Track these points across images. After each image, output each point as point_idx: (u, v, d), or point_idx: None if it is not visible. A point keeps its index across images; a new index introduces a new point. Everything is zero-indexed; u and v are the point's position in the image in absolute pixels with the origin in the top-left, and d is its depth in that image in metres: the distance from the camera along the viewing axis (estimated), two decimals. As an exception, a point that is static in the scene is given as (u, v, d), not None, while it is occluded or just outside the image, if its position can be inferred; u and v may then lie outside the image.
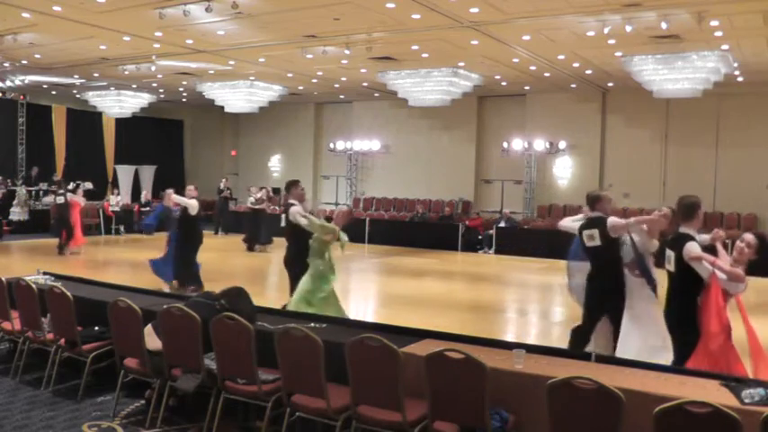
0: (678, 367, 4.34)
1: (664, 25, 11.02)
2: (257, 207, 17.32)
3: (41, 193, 20.48)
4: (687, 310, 4.91)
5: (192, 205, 9.93)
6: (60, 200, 14.92)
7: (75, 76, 18.83)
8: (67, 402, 5.31)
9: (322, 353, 4.12)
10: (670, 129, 18.17)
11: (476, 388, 3.73)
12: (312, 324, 5.26)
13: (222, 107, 20.56)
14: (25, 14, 11.98)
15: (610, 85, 17.83)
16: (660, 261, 5.52)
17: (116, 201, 20.44)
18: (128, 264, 13.95)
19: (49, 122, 22.42)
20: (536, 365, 4.17)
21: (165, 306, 5.02)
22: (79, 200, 15.16)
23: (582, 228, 6.01)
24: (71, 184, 16.41)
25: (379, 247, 17.72)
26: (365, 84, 18.98)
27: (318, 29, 12.61)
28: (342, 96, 22.23)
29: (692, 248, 4.83)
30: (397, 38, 13.14)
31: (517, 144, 19.34)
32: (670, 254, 5.02)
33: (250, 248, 16.51)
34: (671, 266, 5.01)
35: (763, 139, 16.76)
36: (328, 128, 24.12)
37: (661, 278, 5.59)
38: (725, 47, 12.81)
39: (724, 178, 17.29)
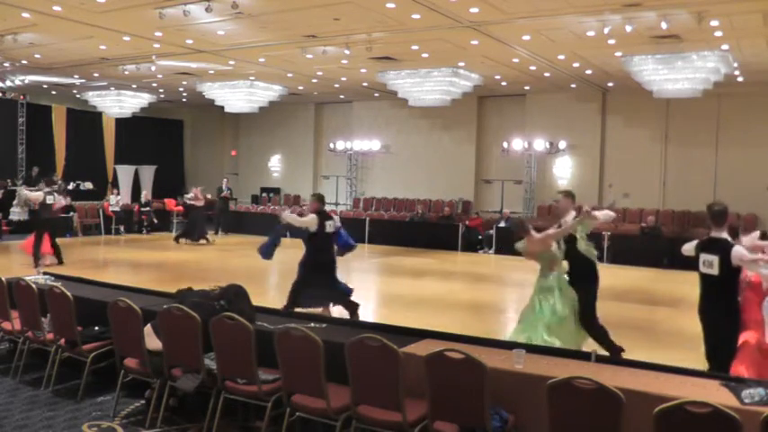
0: (678, 367, 4.34)
1: (664, 25, 11.01)
2: (192, 203, 18.18)
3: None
4: (730, 310, 5.02)
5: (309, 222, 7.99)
6: (51, 200, 12.94)
7: (75, 76, 18.83)
8: (67, 402, 5.31)
9: (322, 353, 4.12)
10: (670, 129, 18.16)
11: (476, 388, 3.73)
12: (312, 324, 5.26)
13: (222, 107, 20.56)
14: (25, 14, 11.98)
15: (610, 85, 17.83)
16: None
17: (116, 201, 20.43)
18: (128, 264, 13.96)
19: (49, 122, 22.41)
20: (536, 365, 4.17)
21: (165, 306, 5.03)
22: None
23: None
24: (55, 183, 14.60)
25: (379, 247, 17.71)
26: (365, 84, 18.98)
27: (318, 29, 12.61)
28: (342, 96, 22.22)
29: (743, 252, 4.93)
30: (397, 38, 13.14)
31: (517, 144, 19.33)
32: (710, 258, 5.06)
33: (177, 240, 17.74)
34: (712, 270, 5.05)
35: (763, 139, 16.75)
36: (328, 128, 24.11)
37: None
38: (725, 47, 12.80)
39: (724, 178, 17.27)
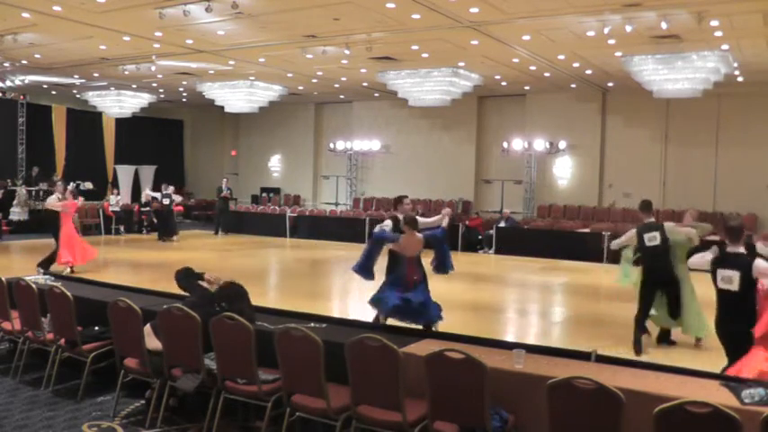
0: (678, 367, 4.34)
1: (664, 25, 11.02)
2: (174, 198, 18.47)
3: (41, 193, 20.47)
4: (749, 325, 4.91)
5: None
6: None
7: (75, 76, 18.83)
8: (67, 402, 5.31)
9: (322, 353, 4.12)
10: (670, 129, 18.16)
11: (476, 388, 3.73)
12: (312, 324, 5.26)
13: (222, 107, 20.57)
14: (25, 14, 11.98)
15: (610, 85, 17.83)
16: None
17: (116, 201, 20.44)
18: (128, 264, 13.95)
19: (49, 122, 22.42)
20: (536, 365, 4.16)
21: (165, 306, 5.03)
22: (62, 200, 11.47)
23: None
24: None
25: (379, 247, 17.64)
26: (365, 84, 18.98)
27: (318, 29, 12.61)
28: (342, 96, 22.22)
29: (765, 264, 4.92)
30: (397, 38, 13.14)
31: (517, 144, 19.33)
32: (730, 274, 5.02)
33: (162, 239, 17.94)
34: (731, 285, 5.01)
35: (763, 139, 16.75)
36: (328, 128, 24.12)
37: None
38: (725, 47, 12.81)
39: (724, 178, 17.28)
